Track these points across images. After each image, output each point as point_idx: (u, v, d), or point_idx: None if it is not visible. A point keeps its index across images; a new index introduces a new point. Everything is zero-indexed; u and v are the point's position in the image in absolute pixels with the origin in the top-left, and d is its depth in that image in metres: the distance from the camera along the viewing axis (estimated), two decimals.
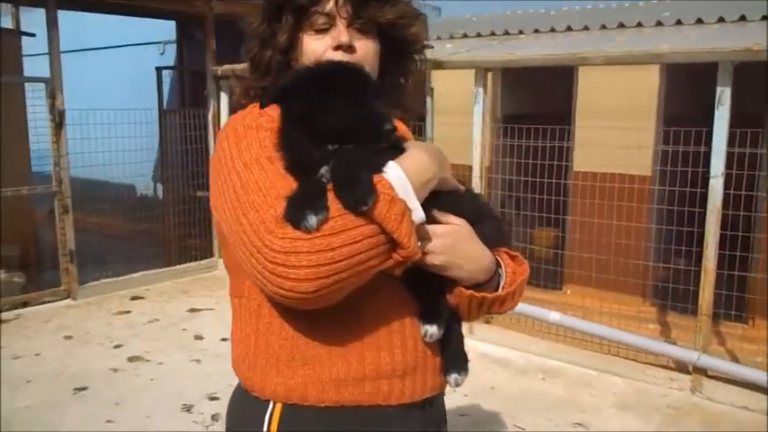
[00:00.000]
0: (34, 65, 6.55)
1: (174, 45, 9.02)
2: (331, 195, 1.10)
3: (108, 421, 3.87)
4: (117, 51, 10.37)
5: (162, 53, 9.59)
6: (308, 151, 1.20)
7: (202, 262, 7.12)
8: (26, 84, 6.75)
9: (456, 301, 1.34)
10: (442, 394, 1.47)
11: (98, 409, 4.02)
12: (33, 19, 6.54)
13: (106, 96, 8.24)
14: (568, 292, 5.74)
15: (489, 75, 5.16)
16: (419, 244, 1.18)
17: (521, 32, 6.23)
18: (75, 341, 5.17)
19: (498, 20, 7.04)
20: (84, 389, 4.29)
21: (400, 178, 1.16)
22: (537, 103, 6.21)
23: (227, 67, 6.64)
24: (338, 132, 1.20)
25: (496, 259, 1.39)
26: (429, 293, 1.34)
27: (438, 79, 6.32)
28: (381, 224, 1.09)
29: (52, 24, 5.73)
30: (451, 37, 6.59)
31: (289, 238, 1.05)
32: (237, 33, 1.49)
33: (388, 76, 1.48)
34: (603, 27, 5.84)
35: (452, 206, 1.33)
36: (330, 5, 1.34)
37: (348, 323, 1.26)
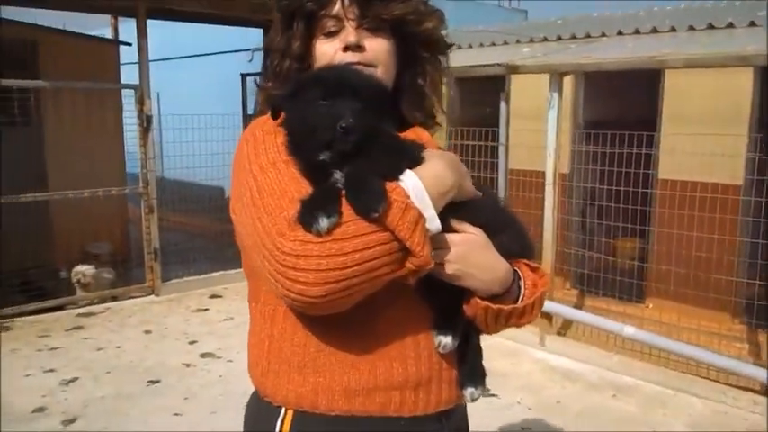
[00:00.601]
0: (134, 73, 6.94)
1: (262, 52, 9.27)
2: (345, 200, 1.10)
3: (175, 414, 4.02)
4: (211, 59, 10.83)
5: (250, 60, 9.87)
6: (313, 156, 1.19)
7: None
8: (122, 90, 7.15)
9: (473, 312, 1.30)
10: (462, 407, 1.43)
11: (168, 401, 4.18)
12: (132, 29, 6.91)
13: (200, 102, 8.60)
14: (650, 306, 5.47)
15: (569, 78, 5.01)
16: (433, 253, 1.16)
17: (603, 35, 6.00)
18: (154, 336, 5.40)
19: (583, 22, 6.83)
20: (156, 382, 4.48)
21: (416, 186, 1.14)
22: (621, 108, 5.96)
23: None
24: (298, 136, 1.21)
25: (515, 271, 1.34)
26: (444, 304, 1.30)
27: (515, 84, 6.19)
28: (394, 231, 1.08)
29: (141, 34, 6.04)
30: (531, 41, 6.45)
31: (299, 240, 1.05)
32: None
33: (406, 77, 1.45)
34: (691, 28, 5.54)
35: (471, 215, 1.29)
36: (337, 8, 1.34)
37: (361, 332, 1.25)
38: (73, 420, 3.87)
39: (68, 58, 7.04)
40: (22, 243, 6.24)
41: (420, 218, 1.11)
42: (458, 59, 6.38)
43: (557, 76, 4.78)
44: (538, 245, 5.42)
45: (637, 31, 5.89)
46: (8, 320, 5.52)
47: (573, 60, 4.81)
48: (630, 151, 4.94)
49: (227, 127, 7.47)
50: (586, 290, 5.51)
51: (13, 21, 6.77)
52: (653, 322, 4.92)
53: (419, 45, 1.44)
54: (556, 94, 4.84)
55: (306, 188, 1.15)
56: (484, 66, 5.14)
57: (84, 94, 7.02)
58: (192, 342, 5.26)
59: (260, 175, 1.19)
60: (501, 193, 5.84)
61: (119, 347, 5.12)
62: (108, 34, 8.25)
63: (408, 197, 1.11)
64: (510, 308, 1.30)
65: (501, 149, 5.63)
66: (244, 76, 8.44)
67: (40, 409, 3.99)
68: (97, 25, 9.14)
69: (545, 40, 6.42)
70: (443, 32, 1.47)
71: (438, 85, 1.51)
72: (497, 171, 5.80)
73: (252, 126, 1.33)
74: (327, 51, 1.35)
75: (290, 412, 1.26)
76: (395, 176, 1.15)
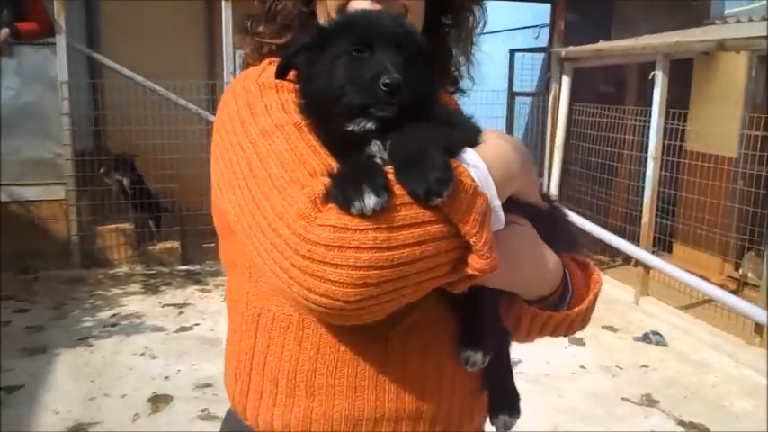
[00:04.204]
0: None
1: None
2: (391, 179, 0.85)
3: None
4: (502, 35, 10.73)
5: (536, 37, 9.53)
6: (340, 125, 0.93)
7: None
8: None
9: (515, 319, 1.05)
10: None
11: None
12: None
13: (492, 78, 8.58)
14: None
15: None
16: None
17: None
18: None
19: None
20: None
21: (479, 169, 0.89)
22: None
23: (571, 48, 6.28)
24: (321, 98, 0.95)
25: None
26: (474, 311, 1.06)
27: None
28: (458, 224, 0.84)
29: None
30: None
31: (332, 226, 0.81)
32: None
33: (435, 35, 1.20)
34: None
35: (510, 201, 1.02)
36: None
37: (368, 347, 1.01)
38: None
39: None
40: None
41: (489, 210, 0.87)
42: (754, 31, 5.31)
43: None
44: None
45: None
46: None
47: None
48: None
49: (491, 104, 7.32)
50: None
51: None
52: None
53: None
54: None
55: (329, 161, 0.90)
56: (759, 38, 4.16)
57: None
58: None
59: (262, 141, 0.93)
60: None
61: None
62: None
63: (474, 180, 0.86)
64: (561, 316, 1.05)
65: None
66: (512, 52, 8.15)
67: None
68: None
69: None
70: None
71: (469, 46, 1.26)
72: None
73: (241, 78, 1.07)
74: None
75: None
76: (453, 153, 0.89)
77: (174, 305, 5.14)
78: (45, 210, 5.71)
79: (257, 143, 0.93)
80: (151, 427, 3.37)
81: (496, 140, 0.97)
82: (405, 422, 1.02)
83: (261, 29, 1.19)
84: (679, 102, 6.02)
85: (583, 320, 1.09)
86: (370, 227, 0.80)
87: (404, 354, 1.02)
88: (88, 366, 4.04)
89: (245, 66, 1.18)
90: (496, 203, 0.90)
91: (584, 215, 6.45)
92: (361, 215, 0.80)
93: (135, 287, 5.56)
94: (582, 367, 4.36)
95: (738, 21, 6.49)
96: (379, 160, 0.89)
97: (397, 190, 0.83)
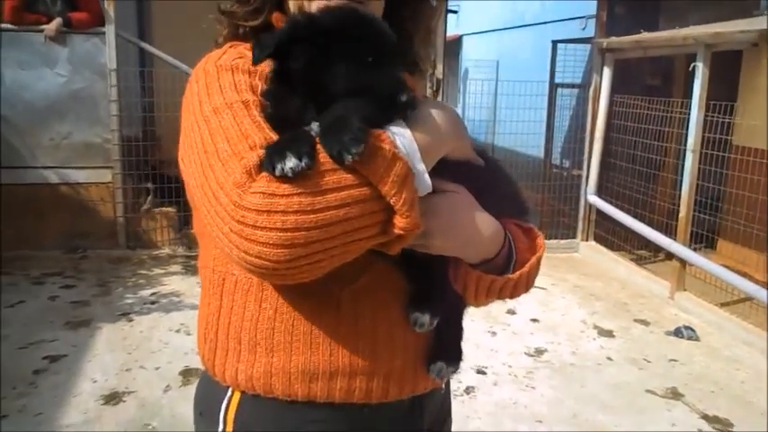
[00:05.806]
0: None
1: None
2: (321, 150, 0.92)
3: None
4: (549, 26, 10.60)
5: (583, 28, 9.39)
6: (302, 106, 1.01)
7: (562, 242, 6.91)
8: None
9: (462, 283, 1.12)
10: (440, 392, 1.28)
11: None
12: None
13: (537, 69, 8.52)
14: None
15: None
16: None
17: None
18: None
19: None
20: None
21: (404, 137, 0.97)
22: None
23: (612, 39, 6.19)
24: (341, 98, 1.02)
25: (506, 232, 1.14)
26: (422, 275, 1.13)
27: None
28: (377, 186, 0.91)
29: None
30: None
31: (262, 193, 0.88)
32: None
33: (395, 21, 1.22)
34: None
35: (453, 169, 1.08)
36: None
37: (322, 307, 1.10)
38: None
39: None
40: None
41: (409, 172, 0.94)
42: None
43: None
44: None
45: None
46: None
47: None
48: None
49: (532, 95, 7.29)
50: None
51: None
52: None
53: None
54: None
55: (271, 135, 0.98)
56: None
57: None
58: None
59: (213, 118, 1.01)
60: None
61: None
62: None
63: (396, 147, 0.94)
64: (504, 279, 1.11)
65: None
66: (554, 43, 8.06)
67: None
68: None
69: None
70: None
71: (430, 33, 1.31)
72: None
73: (204, 61, 1.14)
74: None
75: (237, 394, 1.14)
76: (380, 124, 0.97)
77: None
78: (93, 192, 5.96)
79: (209, 120, 1.01)
80: (181, 397, 3.52)
81: (425, 108, 1.03)
82: (359, 377, 1.10)
83: (235, 9, 1.24)
84: (727, 95, 5.87)
85: (526, 283, 1.15)
86: (296, 192, 0.87)
87: (355, 314, 1.09)
88: (127, 340, 4.24)
89: (217, 46, 1.23)
90: (420, 167, 0.96)
91: (622, 208, 6.37)
92: (289, 182, 0.87)
93: (176, 268, 5.78)
94: (609, 359, 4.35)
95: None
96: (314, 133, 0.95)
97: (323, 158, 0.90)
